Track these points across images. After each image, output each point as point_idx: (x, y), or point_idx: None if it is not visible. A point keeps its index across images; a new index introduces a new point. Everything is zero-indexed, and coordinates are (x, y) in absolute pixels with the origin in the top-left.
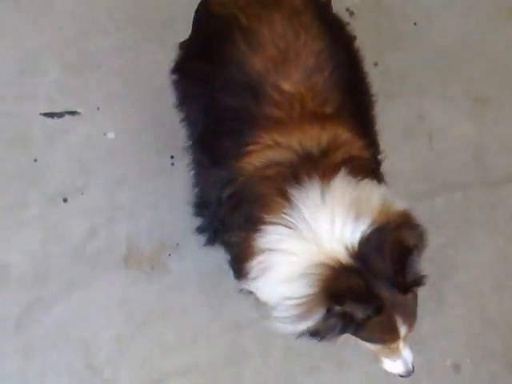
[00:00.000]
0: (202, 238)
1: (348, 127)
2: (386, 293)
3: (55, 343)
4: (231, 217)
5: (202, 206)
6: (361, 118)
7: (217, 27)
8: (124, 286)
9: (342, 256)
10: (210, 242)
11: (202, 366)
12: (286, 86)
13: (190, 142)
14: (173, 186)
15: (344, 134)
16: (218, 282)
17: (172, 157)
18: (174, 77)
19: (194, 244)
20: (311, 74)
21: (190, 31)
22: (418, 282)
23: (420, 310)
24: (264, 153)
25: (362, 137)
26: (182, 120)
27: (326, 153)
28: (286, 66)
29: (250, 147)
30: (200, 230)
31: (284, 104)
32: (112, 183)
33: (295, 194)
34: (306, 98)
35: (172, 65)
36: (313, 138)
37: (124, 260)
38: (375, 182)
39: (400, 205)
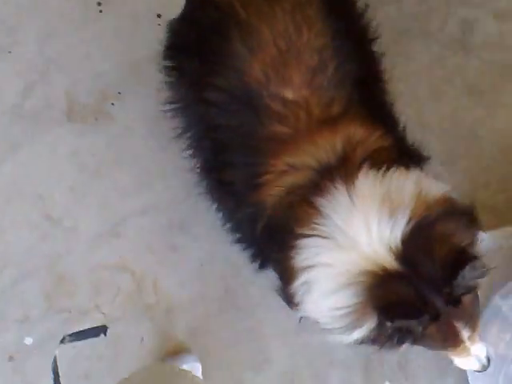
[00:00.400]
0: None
1: (360, 122)
2: (439, 300)
3: (9, 200)
4: (269, 244)
5: (242, 239)
6: (373, 107)
7: (211, 18)
8: (71, 140)
9: (386, 259)
10: (263, 266)
11: (160, 204)
12: (289, 94)
13: (204, 183)
14: (104, 33)
15: (357, 131)
16: (166, 125)
17: (99, 3)
18: (166, 63)
19: (136, 90)
20: (314, 74)
21: (183, 7)
22: (471, 289)
23: None
24: (281, 180)
25: (377, 126)
26: (181, 132)
27: (343, 158)
28: (288, 69)
29: (264, 177)
30: (252, 258)
31: (289, 117)
32: (39, 38)
33: (322, 202)
34: (311, 103)
35: (162, 48)
36: (326, 147)
37: (66, 115)
38: (403, 168)
39: (438, 188)
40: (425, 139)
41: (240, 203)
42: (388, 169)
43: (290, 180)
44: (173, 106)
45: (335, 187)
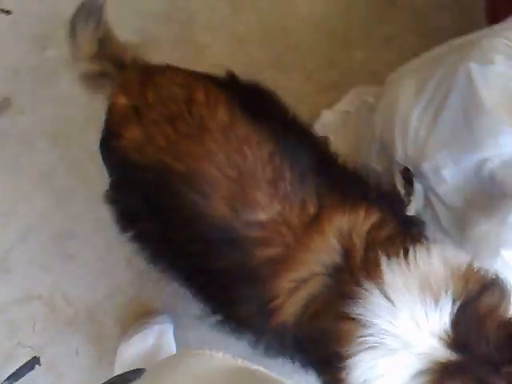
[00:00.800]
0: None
1: (340, 209)
2: (501, 382)
3: None
4: (306, 359)
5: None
6: (341, 185)
7: (147, 181)
8: None
9: (440, 351)
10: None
11: (34, 224)
12: (262, 216)
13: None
14: None
15: (344, 221)
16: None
17: None
18: (128, 235)
19: None
20: (276, 185)
21: (109, 176)
22: None
23: None
24: (294, 298)
25: (357, 204)
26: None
27: (347, 252)
28: (249, 192)
29: (275, 302)
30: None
31: (272, 237)
32: None
33: (358, 311)
34: (287, 215)
35: (114, 222)
36: (324, 249)
37: None
38: (419, 244)
39: (462, 257)
40: (243, 52)
41: (259, 332)
42: (405, 251)
43: (304, 294)
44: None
45: (365, 290)
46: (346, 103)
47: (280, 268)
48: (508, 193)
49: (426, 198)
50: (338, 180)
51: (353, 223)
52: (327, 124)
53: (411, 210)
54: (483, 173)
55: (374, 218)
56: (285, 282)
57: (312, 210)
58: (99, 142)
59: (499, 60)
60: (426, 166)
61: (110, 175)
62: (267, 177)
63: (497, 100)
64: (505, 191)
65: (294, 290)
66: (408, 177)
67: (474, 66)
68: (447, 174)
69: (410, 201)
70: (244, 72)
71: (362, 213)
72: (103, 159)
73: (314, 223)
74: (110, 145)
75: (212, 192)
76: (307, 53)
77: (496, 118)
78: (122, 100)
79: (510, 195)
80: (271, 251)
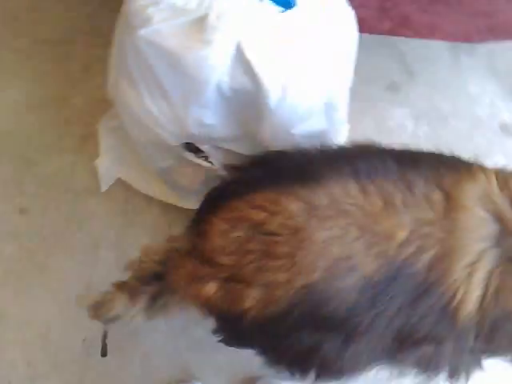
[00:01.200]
0: None
1: (461, 179)
2: None
3: None
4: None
5: None
6: (434, 161)
7: (299, 315)
8: None
9: None
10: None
11: None
12: (403, 235)
13: None
14: None
15: (474, 187)
16: None
17: None
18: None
19: None
20: (391, 204)
21: (258, 352)
22: None
23: None
24: (473, 282)
25: (467, 169)
26: None
27: (498, 215)
28: (378, 232)
29: (457, 296)
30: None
31: (424, 243)
32: None
33: None
34: (420, 216)
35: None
36: (479, 223)
37: None
38: None
39: None
40: None
41: (442, 339)
42: None
43: (481, 274)
44: None
45: None
46: (105, 141)
47: (447, 264)
48: (256, 93)
49: (220, 150)
50: (427, 161)
51: (482, 186)
52: (110, 170)
53: (220, 170)
54: (226, 94)
55: (492, 175)
56: (458, 273)
57: (437, 195)
58: (222, 337)
59: (153, 12)
60: (192, 130)
61: (258, 349)
62: (379, 206)
63: (182, 41)
64: (253, 96)
65: (471, 275)
66: (193, 148)
67: (143, 33)
68: (208, 119)
69: (211, 163)
70: None
71: (480, 175)
72: (244, 345)
73: (450, 206)
74: (240, 328)
75: (358, 262)
76: (45, 129)
77: (197, 51)
78: (211, 287)
79: (258, 94)
80: (430, 254)
